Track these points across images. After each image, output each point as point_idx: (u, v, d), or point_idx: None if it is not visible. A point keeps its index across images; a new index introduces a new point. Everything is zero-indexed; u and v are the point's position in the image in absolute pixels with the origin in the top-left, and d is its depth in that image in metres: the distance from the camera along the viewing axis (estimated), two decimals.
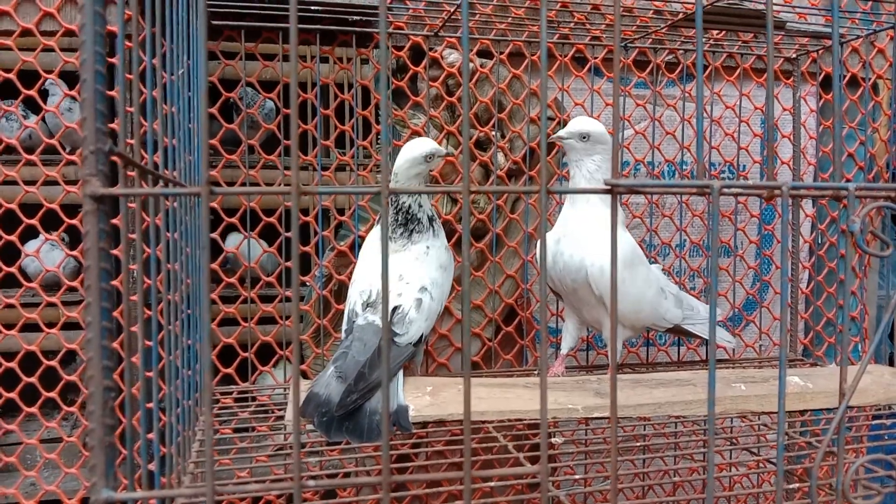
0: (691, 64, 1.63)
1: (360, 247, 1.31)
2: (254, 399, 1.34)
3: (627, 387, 1.17)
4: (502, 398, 1.12)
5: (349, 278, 1.25)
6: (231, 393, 1.34)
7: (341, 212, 1.49)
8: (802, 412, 1.23)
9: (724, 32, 1.61)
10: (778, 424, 0.58)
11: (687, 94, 1.63)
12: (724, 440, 1.31)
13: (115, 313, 0.48)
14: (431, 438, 1.18)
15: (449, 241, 1.31)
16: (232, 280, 1.44)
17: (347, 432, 1.02)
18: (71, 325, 1.37)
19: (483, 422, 1.10)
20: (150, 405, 0.70)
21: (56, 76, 1.34)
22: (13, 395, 1.31)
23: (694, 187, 0.55)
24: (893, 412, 1.25)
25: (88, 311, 0.45)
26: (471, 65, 1.50)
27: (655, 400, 1.14)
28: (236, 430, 1.36)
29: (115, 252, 1.14)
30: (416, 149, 1.18)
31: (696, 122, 0.58)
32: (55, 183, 1.34)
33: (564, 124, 1.31)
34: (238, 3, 1.32)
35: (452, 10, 1.39)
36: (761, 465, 1.47)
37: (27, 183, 1.34)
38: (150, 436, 0.67)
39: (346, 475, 1.48)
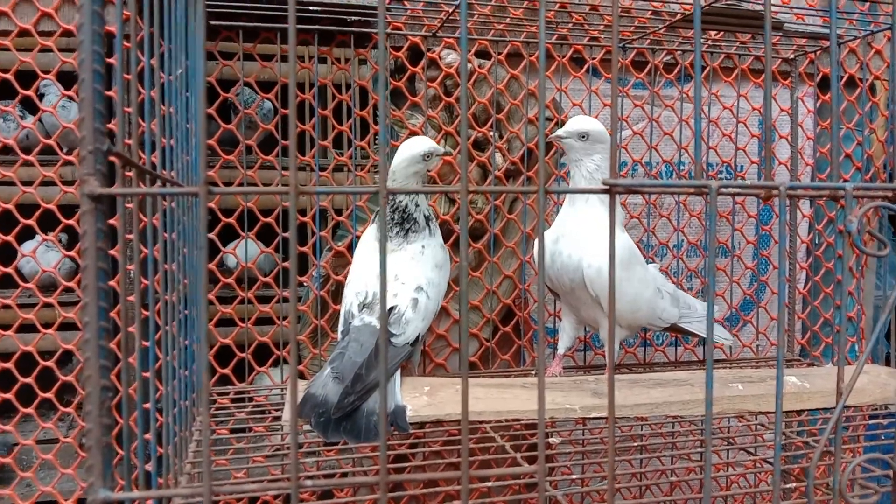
0: (689, 65, 1.63)
1: (357, 247, 1.31)
2: (251, 400, 1.34)
3: (625, 387, 1.17)
4: (500, 398, 1.12)
5: (346, 278, 1.25)
6: (228, 393, 1.34)
7: (339, 212, 1.49)
8: (799, 412, 1.23)
9: (721, 33, 1.61)
10: (775, 424, 0.58)
11: (685, 95, 1.63)
12: (721, 440, 1.32)
13: (112, 314, 0.48)
14: (429, 439, 1.18)
15: (447, 242, 1.31)
16: (229, 280, 1.43)
17: (345, 433, 1.02)
18: (67, 326, 1.36)
19: (480, 422, 1.10)
20: (147, 406, 0.70)
21: (53, 76, 1.33)
22: (10, 395, 1.31)
23: (692, 187, 0.55)
24: (890, 412, 1.25)
25: (86, 310, 0.45)
26: (469, 65, 1.51)
27: (653, 400, 1.14)
28: (233, 431, 1.36)
29: (112, 252, 1.14)
30: (415, 147, 1.18)
31: (695, 123, 0.58)
32: (52, 183, 1.34)
33: (562, 125, 1.31)
34: (236, 4, 1.32)
35: (451, 10, 1.39)
36: (758, 464, 1.47)
37: (24, 183, 1.34)
38: (147, 436, 0.67)
39: (344, 475, 1.48)
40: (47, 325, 1.34)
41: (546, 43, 1.53)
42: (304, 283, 1.49)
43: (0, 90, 1.37)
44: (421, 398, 1.10)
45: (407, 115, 1.52)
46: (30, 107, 1.53)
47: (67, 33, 1.34)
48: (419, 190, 0.55)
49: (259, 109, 1.49)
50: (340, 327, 1.17)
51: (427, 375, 1.39)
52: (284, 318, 1.45)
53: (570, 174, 1.26)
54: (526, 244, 1.55)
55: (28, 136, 1.41)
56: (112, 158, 0.48)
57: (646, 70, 1.62)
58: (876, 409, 1.27)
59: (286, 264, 1.43)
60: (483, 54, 1.54)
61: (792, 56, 1.66)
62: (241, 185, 1.43)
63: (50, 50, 1.32)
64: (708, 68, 1.65)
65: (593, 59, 1.58)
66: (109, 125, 0.51)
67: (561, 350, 1.35)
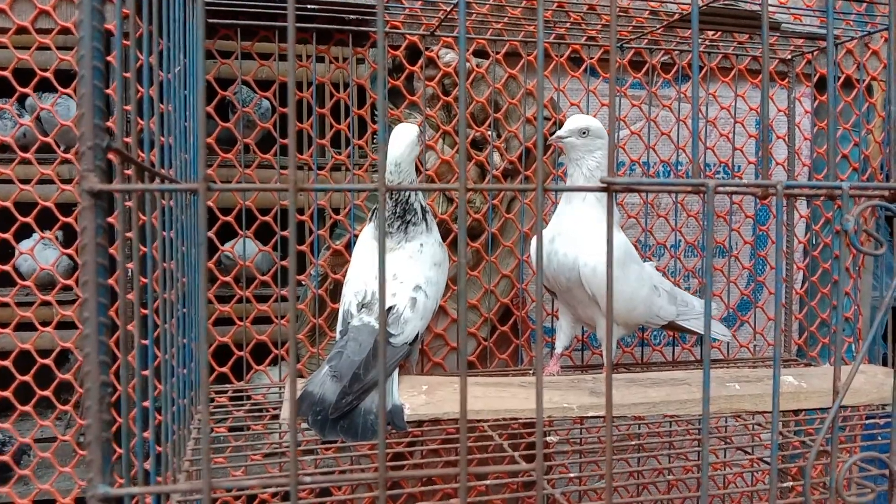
0: (686, 65, 1.64)
1: (355, 246, 1.31)
2: (249, 398, 1.34)
3: (622, 386, 1.17)
4: (497, 397, 1.12)
5: (345, 277, 1.26)
6: (226, 392, 1.34)
7: (336, 211, 1.49)
8: (796, 412, 1.23)
9: (719, 33, 1.61)
10: (772, 423, 0.58)
11: (682, 95, 1.64)
12: (718, 439, 1.32)
13: (111, 311, 0.48)
14: (427, 437, 1.18)
15: (445, 241, 1.31)
16: (227, 279, 1.44)
17: (342, 431, 1.02)
18: (65, 324, 1.36)
19: (479, 421, 1.10)
20: (146, 404, 0.70)
21: (52, 74, 1.33)
22: (7, 393, 1.31)
23: (689, 186, 0.55)
24: (887, 412, 1.26)
25: (86, 306, 0.45)
26: (467, 64, 1.51)
27: (650, 399, 1.14)
28: (231, 429, 1.36)
29: (110, 251, 1.14)
30: (409, 132, 1.18)
31: (692, 123, 0.58)
32: (50, 181, 1.34)
33: (560, 124, 1.31)
34: (234, 2, 1.32)
35: (449, 9, 1.39)
36: (755, 464, 1.48)
37: (22, 181, 1.34)
38: (146, 434, 0.67)
39: (342, 473, 1.48)
40: (45, 324, 1.34)
41: (544, 42, 1.53)
42: (303, 282, 1.49)
43: None
44: (419, 397, 1.10)
45: (405, 114, 1.52)
46: (24, 102, 1.53)
47: (65, 31, 1.34)
48: (419, 188, 0.56)
49: (257, 108, 1.49)
50: (339, 326, 1.17)
51: (425, 374, 1.39)
52: (282, 317, 1.45)
53: (567, 173, 1.26)
54: (524, 243, 1.55)
55: (25, 133, 1.41)
56: (111, 156, 0.49)
57: (643, 70, 1.62)
58: (872, 410, 1.27)
59: (284, 263, 1.44)
60: (481, 53, 1.55)
61: (789, 56, 1.67)
62: (239, 183, 1.44)
63: (48, 48, 1.32)
64: (705, 68, 1.65)
65: (591, 58, 1.58)
66: (108, 123, 0.52)
67: (559, 349, 1.35)
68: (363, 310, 1.15)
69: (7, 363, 1.31)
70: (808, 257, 1.72)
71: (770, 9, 1.53)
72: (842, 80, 1.71)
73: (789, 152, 1.69)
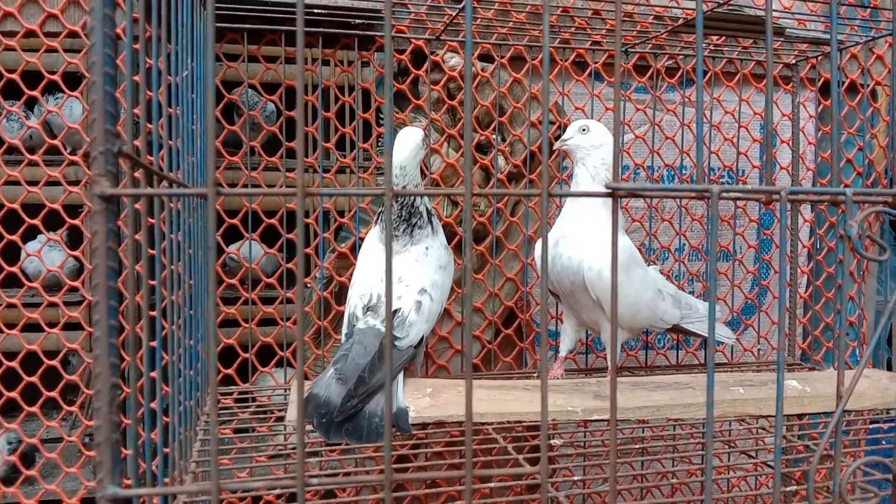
0: (691, 69, 1.64)
1: (360, 249, 1.31)
2: (254, 400, 1.35)
3: (626, 389, 1.17)
4: (502, 400, 1.12)
5: (349, 280, 1.26)
6: (231, 394, 1.35)
7: (341, 214, 1.50)
8: (800, 416, 1.23)
9: (723, 38, 1.61)
10: (776, 427, 0.59)
11: (687, 99, 1.64)
12: (722, 443, 1.32)
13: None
14: (431, 440, 1.19)
15: (450, 244, 1.31)
16: (233, 281, 1.44)
17: (347, 434, 1.03)
18: (72, 326, 1.37)
19: (483, 423, 1.10)
20: (154, 405, 0.70)
21: (59, 77, 1.34)
22: (14, 394, 1.32)
23: (693, 191, 0.55)
24: (891, 416, 1.26)
25: (96, 309, 0.46)
26: (472, 68, 1.51)
27: (654, 403, 1.15)
28: (236, 431, 1.37)
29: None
30: (414, 136, 1.19)
31: (696, 127, 0.59)
32: (57, 183, 1.35)
33: (565, 128, 1.32)
34: (241, 6, 1.33)
35: (454, 14, 1.39)
36: (759, 468, 1.47)
37: (29, 183, 1.35)
38: (154, 435, 0.68)
39: (347, 475, 1.49)
40: (51, 325, 1.35)
41: (549, 47, 1.54)
42: (308, 285, 1.50)
43: (5, 91, 1.38)
44: (423, 399, 1.11)
45: (410, 118, 1.52)
46: (34, 107, 1.54)
47: (73, 34, 1.35)
48: (424, 192, 0.56)
49: (262, 111, 1.49)
50: (345, 329, 1.18)
51: (429, 377, 1.39)
52: (287, 319, 1.46)
53: (573, 174, 1.27)
54: (528, 247, 1.56)
55: (32, 136, 1.42)
56: (121, 160, 0.49)
57: (648, 74, 1.63)
58: (876, 414, 1.27)
59: (290, 265, 1.44)
60: (486, 58, 1.55)
61: (793, 61, 1.67)
62: (245, 186, 1.44)
63: (55, 50, 1.33)
64: (710, 73, 1.66)
65: (596, 63, 1.59)
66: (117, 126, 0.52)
67: (562, 353, 1.35)
68: (368, 313, 1.15)
69: (14, 364, 1.32)
70: (812, 262, 1.72)
71: (774, 14, 1.53)
72: (846, 84, 1.71)
73: (793, 157, 1.69)
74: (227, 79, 1.45)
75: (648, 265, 1.35)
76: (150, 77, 0.79)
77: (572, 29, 1.55)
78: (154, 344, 0.73)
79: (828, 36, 1.53)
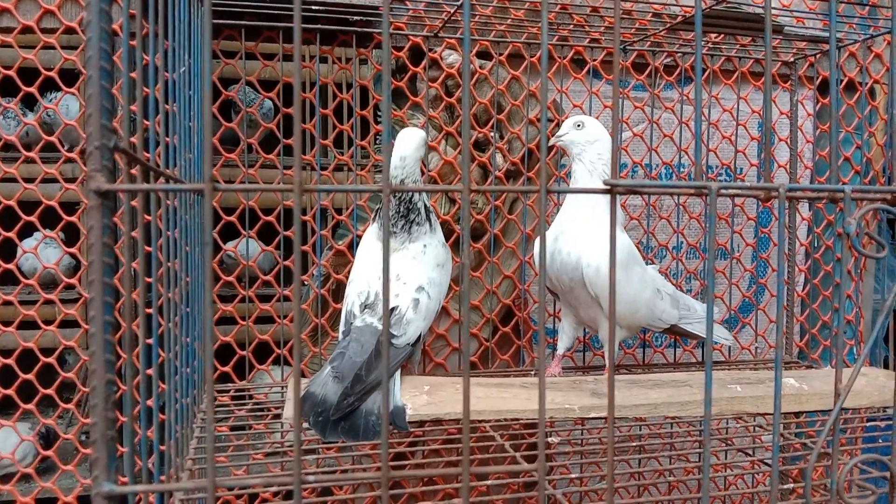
0: (689, 67, 1.64)
1: (358, 246, 1.31)
2: (250, 397, 1.34)
3: (624, 387, 1.17)
4: (499, 398, 1.12)
5: (347, 277, 1.26)
6: (228, 391, 1.35)
7: (339, 211, 1.49)
8: (797, 414, 1.23)
9: (722, 36, 1.61)
10: (773, 425, 0.59)
11: (685, 97, 1.64)
12: (719, 441, 1.32)
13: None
14: (428, 437, 1.18)
15: (447, 242, 1.31)
16: (230, 279, 1.44)
17: (343, 432, 1.03)
18: (68, 323, 1.37)
19: (480, 421, 1.10)
20: (150, 402, 0.70)
21: (56, 73, 1.34)
22: (10, 391, 1.31)
23: (692, 188, 0.55)
24: (887, 414, 1.26)
25: (92, 305, 0.46)
26: (470, 66, 1.51)
27: (652, 401, 1.15)
28: (233, 429, 1.36)
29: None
30: (417, 132, 1.21)
31: (695, 125, 0.58)
32: (53, 180, 1.34)
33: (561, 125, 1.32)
34: (238, 2, 1.33)
35: (452, 11, 1.39)
36: (756, 465, 1.48)
37: (25, 180, 1.34)
38: (150, 433, 0.68)
39: (344, 473, 1.48)
40: (48, 322, 1.35)
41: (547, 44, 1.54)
42: (305, 282, 1.49)
43: (2, 87, 1.38)
44: (421, 397, 1.11)
45: (408, 115, 1.52)
46: (31, 104, 1.54)
47: (70, 30, 1.35)
48: (422, 188, 0.56)
49: (259, 108, 1.49)
50: (342, 327, 1.17)
51: (427, 375, 1.39)
52: (285, 317, 1.45)
53: (571, 170, 1.27)
54: (526, 244, 1.55)
55: (28, 132, 1.42)
56: (117, 156, 0.49)
57: (646, 72, 1.62)
58: (873, 412, 1.27)
59: (288, 263, 1.44)
60: (484, 55, 1.55)
61: (792, 59, 1.67)
62: (242, 183, 1.44)
63: (52, 47, 1.33)
64: (708, 71, 1.66)
65: (594, 60, 1.59)
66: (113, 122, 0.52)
67: (560, 350, 1.35)
68: (366, 310, 1.15)
69: (10, 361, 1.31)
70: (810, 260, 1.72)
71: (773, 12, 1.53)
72: (844, 83, 1.71)
73: (791, 155, 1.69)
74: (224, 76, 1.45)
75: (647, 264, 1.35)
76: (147, 74, 0.79)
77: (571, 26, 1.55)
78: (150, 341, 0.72)
79: (826, 34, 1.53)
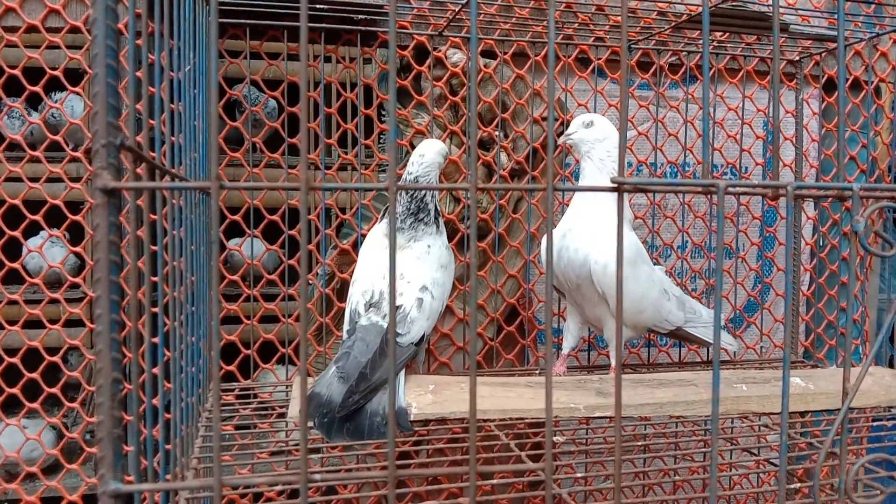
0: (694, 66, 1.63)
1: (362, 245, 1.31)
2: (255, 396, 1.34)
3: (629, 386, 1.17)
4: (504, 397, 1.12)
5: (351, 277, 1.26)
6: (233, 390, 1.35)
7: (343, 210, 1.49)
8: (803, 413, 1.23)
9: (727, 34, 1.61)
10: (781, 425, 0.58)
11: (690, 96, 1.63)
12: (724, 441, 1.32)
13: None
14: (433, 437, 1.18)
15: (452, 241, 1.31)
16: (234, 277, 1.44)
17: (348, 433, 1.03)
18: (72, 322, 1.37)
19: (485, 420, 1.10)
20: (156, 401, 0.70)
21: (61, 73, 1.34)
22: (16, 390, 1.31)
23: (699, 186, 0.55)
24: (894, 414, 1.25)
25: (99, 303, 0.46)
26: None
27: (657, 400, 1.14)
28: (237, 428, 1.36)
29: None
30: (440, 142, 1.24)
31: (703, 124, 0.58)
32: (58, 180, 1.35)
33: (567, 124, 1.31)
34: (243, 1, 1.33)
35: (457, 9, 1.39)
36: (761, 465, 1.47)
37: (31, 179, 1.34)
38: (155, 432, 0.68)
39: (349, 472, 1.48)
40: (52, 321, 1.35)
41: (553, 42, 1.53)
42: (310, 281, 1.49)
43: (7, 87, 1.38)
44: (426, 396, 1.10)
45: (412, 114, 1.52)
46: (35, 104, 1.54)
47: (75, 29, 1.35)
48: (427, 187, 0.56)
49: (263, 108, 1.49)
50: (346, 326, 1.17)
51: (431, 374, 1.39)
52: (289, 316, 1.45)
53: (580, 168, 1.27)
54: (530, 243, 1.55)
55: (33, 132, 1.42)
56: (123, 154, 0.49)
57: (651, 71, 1.62)
58: (879, 412, 1.27)
59: (292, 262, 1.44)
60: (489, 54, 1.55)
61: (797, 58, 1.66)
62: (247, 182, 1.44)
63: (57, 46, 1.33)
64: (713, 69, 1.65)
65: (599, 59, 1.58)
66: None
67: (565, 350, 1.35)
68: (371, 309, 1.15)
69: (15, 360, 1.31)
70: (815, 259, 1.72)
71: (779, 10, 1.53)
72: (850, 81, 1.71)
73: (797, 154, 1.68)
74: (227, 75, 1.45)
75: (654, 265, 1.35)
76: (153, 72, 0.79)
77: (575, 25, 1.55)
78: (156, 340, 0.72)
79: (832, 32, 1.52)
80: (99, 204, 0.46)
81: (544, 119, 1.55)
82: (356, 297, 1.18)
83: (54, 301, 1.35)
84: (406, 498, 1.52)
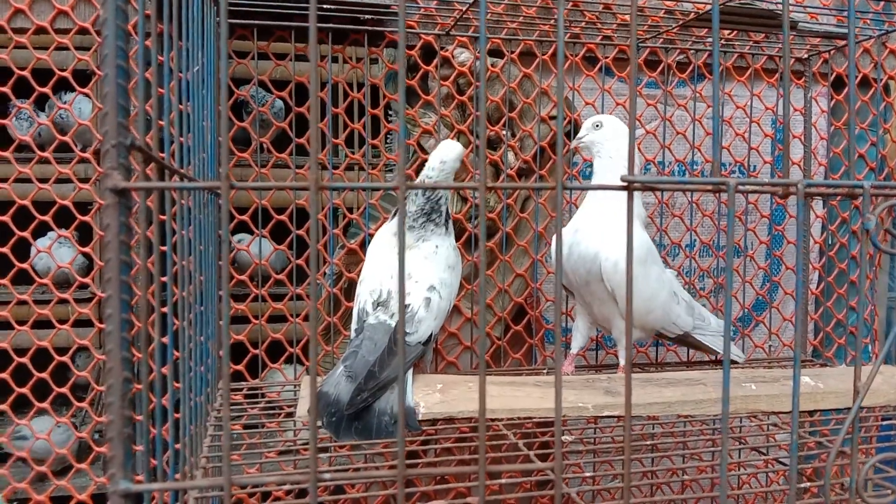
0: (702, 64, 1.63)
1: (369, 245, 1.31)
2: (263, 396, 1.35)
3: (637, 386, 1.17)
4: (512, 396, 1.12)
5: (359, 276, 1.26)
6: (241, 390, 1.35)
7: (350, 210, 1.49)
8: (812, 413, 1.22)
9: (735, 32, 1.60)
10: (792, 424, 0.58)
11: (698, 94, 1.63)
12: (733, 440, 1.31)
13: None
14: (441, 436, 1.18)
15: (459, 240, 1.31)
16: (242, 277, 1.44)
17: (356, 433, 1.02)
18: (81, 322, 1.37)
19: (493, 420, 1.10)
20: (165, 401, 0.70)
21: (69, 74, 1.34)
22: (25, 390, 1.32)
23: (710, 184, 0.55)
24: None
25: (108, 303, 0.46)
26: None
27: (665, 399, 1.14)
28: (246, 427, 1.36)
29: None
30: (459, 145, 1.20)
31: (713, 121, 0.58)
32: (67, 180, 1.35)
33: (574, 123, 1.31)
34: (250, 2, 1.33)
35: (464, 9, 1.39)
36: (770, 465, 1.47)
37: (39, 180, 1.35)
38: (164, 431, 0.68)
39: (357, 471, 1.48)
40: (62, 321, 1.35)
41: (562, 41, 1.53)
42: (318, 281, 1.50)
43: (16, 88, 1.38)
44: (434, 395, 1.10)
45: (420, 114, 1.52)
46: (43, 105, 1.55)
47: (83, 31, 1.35)
48: (435, 186, 0.56)
49: (270, 108, 1.49)
50: (354, 325, 1.17)
51: (439, 373, 1.39)
52: (297, 315, 1.46)
53: (586, 169, 1.27)
54: (538, 243, 1.55)
55: (41, 133, 1.43)
56: (132, 155, 0.49)
57: (659, 69, 1.62)
58: (889, 411, 1.26)
59: (300, 261, 1.44)
60: (496, 53, 1.55)
61: (806, 56, 1.66)
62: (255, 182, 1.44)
63: (66, 47, 1.33)
64: (721, 68, 1.65)
65: (606, 57, 1.58)
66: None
67: (574, 350, 1.35)
68: (379, 308, 1.15)
69: (25, 360, 1.32)
70: (824, 257, 1.71)
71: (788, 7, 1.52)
72: (859, 79, 1.70)
73: (805, 152, 1.68)
74: (235, 76, 1.45)
75: (664, 267, 1.34)
76: (162, 73, 0.79)
77: (583, 23, 1.55)
78: (165, 340, 0.73)
79: (840, 30, 1.51)
80: (109, 204, 0.46)
81: (552, 118, 1.55)
82: (364, 296, 1.18)
83: (63, 301, 1.36)
84: (414, 497, 1.52)
